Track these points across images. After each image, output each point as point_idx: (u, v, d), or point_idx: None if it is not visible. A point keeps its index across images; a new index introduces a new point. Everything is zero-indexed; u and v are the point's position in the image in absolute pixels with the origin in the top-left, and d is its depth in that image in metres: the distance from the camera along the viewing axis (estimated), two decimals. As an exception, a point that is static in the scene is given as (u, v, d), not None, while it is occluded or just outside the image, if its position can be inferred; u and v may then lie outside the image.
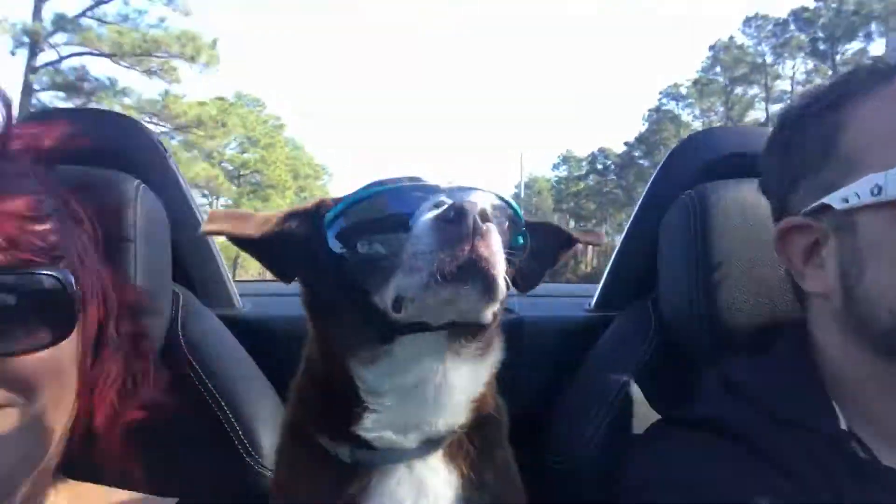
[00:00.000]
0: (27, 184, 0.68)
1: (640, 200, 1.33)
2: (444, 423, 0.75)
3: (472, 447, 0.79)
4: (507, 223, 0.75)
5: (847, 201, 0.71)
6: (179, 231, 1.17)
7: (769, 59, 28.87)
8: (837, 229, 0.74)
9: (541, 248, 0.86)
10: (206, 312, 1.16)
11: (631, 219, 1.35)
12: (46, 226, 0.66)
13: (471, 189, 0.73)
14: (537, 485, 0.86)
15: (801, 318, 0.86)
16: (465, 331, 0.74)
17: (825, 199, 0.74)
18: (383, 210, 0.71)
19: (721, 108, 32.19)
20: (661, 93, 36.06)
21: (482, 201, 0.69)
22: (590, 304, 1.45)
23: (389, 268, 0.67)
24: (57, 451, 0.72)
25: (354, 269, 0.71)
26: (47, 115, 1.12)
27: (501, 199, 0.76)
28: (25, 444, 0.65)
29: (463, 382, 0.76)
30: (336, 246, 0.72)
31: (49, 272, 0.63)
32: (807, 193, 0.78)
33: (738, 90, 31.04)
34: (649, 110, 36.69)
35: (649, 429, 0.93)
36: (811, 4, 26.88)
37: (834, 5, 25.29)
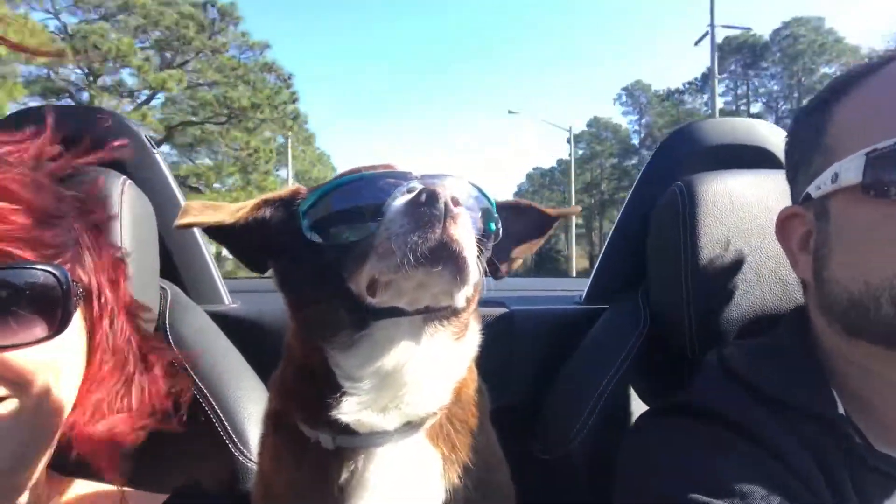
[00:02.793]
0: (27, 179, 0.67)
1: (630, 194, 1.33)
2: (423, 405, 0.75)
3: (453, 429, 0.80)
4: (479, 210, 0.76)
5: (820, 189, 0.77)
6: (167, 227, 1.16)
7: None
8: (817, 216, 0.79)
9: (518, 228, 0.87)
10: (194, 308, 1.15)
11: (621, 212, 1.35)
12: (48, 223, 0.66)
13: (443, 176, 0.74)
14: (529, 474, 0.86)
15: (804, 304, 0.87)
16: (440, 315, 0.75)
17: (808, 189, 0.79)
18: (357, 198, 0.72)
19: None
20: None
21: (454, 187, 0.70)
22: (581, 298, 1.45)
23: (363, 253, 0.67)
24: (51, 447, 0.71)
25: (330, 255, 0.71)
26: (32, 112, 1.10)
27: (474, 186, 0.77)
28: (22, 438, 0.65)
29: (440, 366, 0.76)
30: (311, 235, 0.72)
31: (44, 268, 0.63)
32: (802, 184, 0.82)
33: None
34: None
35: (641, 417, 0.93)
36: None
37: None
